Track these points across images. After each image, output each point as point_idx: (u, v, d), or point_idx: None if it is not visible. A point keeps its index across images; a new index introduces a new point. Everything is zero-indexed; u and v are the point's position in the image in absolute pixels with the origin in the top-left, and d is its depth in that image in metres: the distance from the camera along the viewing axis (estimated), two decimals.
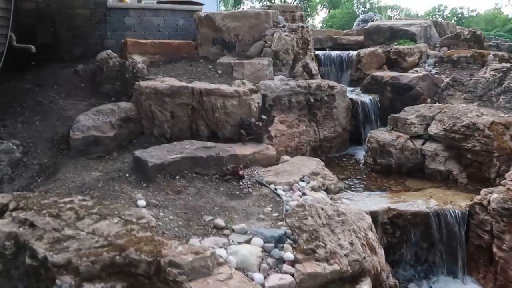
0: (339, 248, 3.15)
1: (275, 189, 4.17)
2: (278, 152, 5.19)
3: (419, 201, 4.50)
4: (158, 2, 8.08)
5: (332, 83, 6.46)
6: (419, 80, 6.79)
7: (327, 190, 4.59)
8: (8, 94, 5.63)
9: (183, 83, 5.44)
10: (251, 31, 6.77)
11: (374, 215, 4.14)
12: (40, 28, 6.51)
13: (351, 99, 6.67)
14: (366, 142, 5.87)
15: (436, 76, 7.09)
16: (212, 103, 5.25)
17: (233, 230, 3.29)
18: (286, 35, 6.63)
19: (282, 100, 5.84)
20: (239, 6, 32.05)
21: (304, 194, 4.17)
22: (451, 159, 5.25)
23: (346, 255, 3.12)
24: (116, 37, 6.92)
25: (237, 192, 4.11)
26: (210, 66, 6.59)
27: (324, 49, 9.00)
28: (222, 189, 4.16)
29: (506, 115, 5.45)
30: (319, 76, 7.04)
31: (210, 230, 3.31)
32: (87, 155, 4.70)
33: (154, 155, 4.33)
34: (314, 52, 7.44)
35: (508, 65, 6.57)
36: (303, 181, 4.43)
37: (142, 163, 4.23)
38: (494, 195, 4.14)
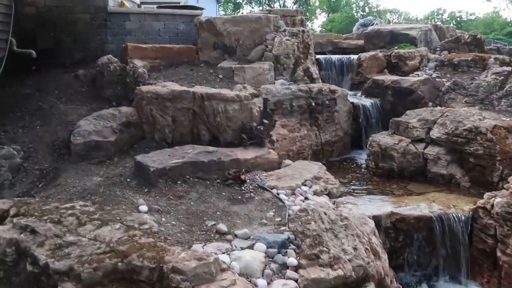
0: (343, 253, 3.12)
1: (278, 194, 4.14)
2: (279, 156, 5.17)
3: (422, 205, 4.48)
4: (159, 7, 8.09)
5: (333, 87, 6.46)
6: (420, 84, 6.79)
7: (329, 195, 4.57)
8: (8, 99, 5.61)
9: (184, 88, 5.43)
10: (252, 36, 6.78)
11: (377, 219, 4.12)
12: (41, 33, 6.51)
13: (352, 103, 6.67)
14: (368, 146, 5.85)
15: (437, 79, 7.09)
16: (213, 108, 5.24)
17: (235, 235, 3.27)
18: (287, 40, 6.64)
19: (284, 104, 5.83)
20: (238, 10, 32.18)
21: (306, 198, 4.15)
22: (453, 163, 5.23)
23: (350, 260, 3.09)
24: (116, 42, 6.92)
25: (239, 197, 4.09)
26: (211, 71, 6.58)
27: (324, 53, 9.01)
28: (224, 193, 4.14)
29: (508, 119, 5.44)
30: (320, 80, 7.03)
31: (212, 235, 3.28)
32: (88, 160, 4.68)
33: (155, 160, 4.31)
34: (315, 56, 7.44)
35: (509, 68, 6.58)
36: (305, 185, 4.41)
37: (143, 168, 4.20)
38: (498, 199, 4.12)
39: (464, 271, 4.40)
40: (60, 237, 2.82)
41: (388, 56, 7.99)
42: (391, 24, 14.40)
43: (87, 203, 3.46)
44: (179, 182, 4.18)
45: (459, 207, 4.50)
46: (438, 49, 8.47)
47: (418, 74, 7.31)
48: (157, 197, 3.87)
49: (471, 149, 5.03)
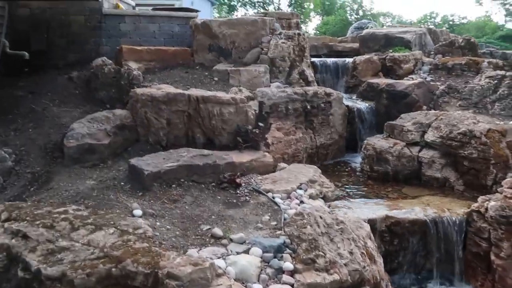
0: (339, 258, 3.11)
1: (273, 197, 4.13)
2: (275, 160, 5.16)
3: (416, 209, 4.49)
4: (154, 9, 8.06)
5: (328, 90, 6.47)
6: (415, 87, 6.83)
7: (325, 198, 4.56)
8: (0, 101, 5.54)
9: (180, 90, 5.41)
10: (247, 38, 6.77)
11: (372, 223, 4.11)
12: (34, 34, 6.46)
13: (347, 106, 6.68)
14: (362, 149, 5.86)
15: (431, 83, 7.14)
16: (208, 111, 5.22)
17: (231, 240, 3.25)
18: (283, 42, 6.64)
19: (279, 107, 5.82)
20: (233, 12, 32.22)
21: (302, 202, 4.14)
22: (447, 166, 5.25)
23: (346, 265, 3.08)
24: (111, 44, 6.88)
25: (234, 201, 4.07)
26: (206, 73, 6.57)
27: (319, 56, 9.03)
28: (219, 197, 4.12)
29: (502, 122, 5.48)
30: (315, 83, 7.05)
31: (207, 239, 3.26)
32: (81, 163, 4.63)
33: (150, 163, 4.28)
34: (310, 59, 7.45)
35: (502, 72, 6.63)
36: (300, 189, 4.40)
37: (138, 171, 4.17)
38: (492, 203, 4.13)
39: (458, 274, 4.42)
40: (52, 242, 2.78)
41: (383, 60, 8.02)
42: (384, 27, 14.48)
43: (80, 207, 3.42)
44: (173, 185, 4.15)
45: (453, 210, 4.51)
46: (432, 52, 8.53)
47: (412, 78, 7.35)
48: (152, 201, 3.83)
49: (465, 152, 5.05)
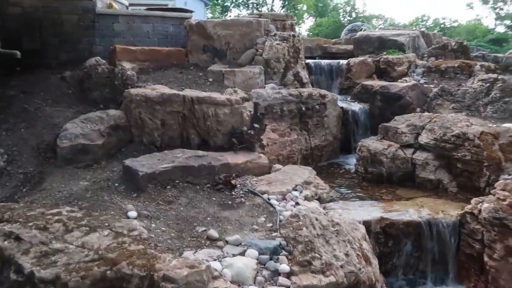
0: (335, 260, 3.11)
1: (268, 199, 4.11)
2: (270, 161, 5.15)
3: (411, 211, 4.52)
4: (148, 9, 8.01)
5: (323, 91, 6.48)
6: (409, 89, 6.87)
7: (320, 200, 4.56)
8: None
9: (174, 91, 5.37)
10: (242, 39, 6.76)
11: (367, 224, 4.13)
12: (26, 33, 6.37)
13: (342, 108, 6.70)
14: (357, 151, 5.88)
15: (425, 85, 7.19)
16: (203, 111, 5.19)
17: (227, 242, 3.22)
18: (278, 44, 6.64)
19: (274, 108, 5.82)
20: (226, 13, 32.19)
21: (297, 203, 4.13)
22: (441, 168, 5.29)
23: (341, 267, 3.08)
24: (104, 44, 6.81)
25: (230, 202, 4.05)
26: (201, 74, 6.54)
27: (314, 58, 9.05)
28: (214, 199, 4.09)
29: (494, 125, 5.54)
30: (310, 85, 7.06)
31: (203, 241, 3.23)
32: (75, 163, 4.57)
33: (144, 164, 4.24)
34: (305, 61, 7.46)
35: (495, 75, 6.71)
36: (296, 190, 4.39)
37: (132, 172, 4.13)
38: (485, 205, 4.17)
39: (451, 275, 4.46)
40: (46, 244, 2.73)
41: (376, 62, 8.06)
42: (377, 29, 14.59)
43: (74, 209, 3.37)
44: (168, 187, 4.11)
45: (447, 212, 4.54)
46: (425, 55, 8.60)
47: (406, 80, 7.40)
48: (146, 203, 3.80)
49: (459, 154, 5.10)
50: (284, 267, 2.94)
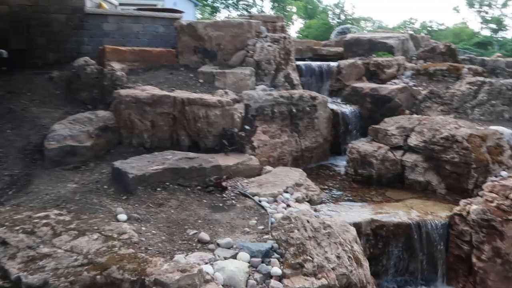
0: (326, 262, 3.11)
1: (260, 201, 4.10)
2: (260, 163, 5.14)
3: (400, 212, 4.55)
4: (138, 9, 7.95)
5: (314, 93, 6.49)
6: (398, 92, 6.93)
7: (311, 202, 4.56)
8: None
9: (165, 92, 5.33)
10: (233, 41, 6.74)
11: (357, 226, 4.14)
12: (13, 32, 6.27)
13: (332, 109, 6.72)
14: (347, 152, 5.90)
15: (414, 88, 7.25)
16: (194, 113, 5.16)
17: (218, 245, 3.20)
18: (269, 45, 6.64)
19: (265, 110, 5.81)
20: (215, 14, 32.13)
21: (288, 206, 4.13)
22: (430, 170, 5.34)
23: (333, 269, 3.08)
24: (93, 44, 6.74)
25: (221, 204, 4.02)
26: (191, 75, 6.50)
27: (304, 60, 9.06)
28: (205, 201, 4.07)
29: (482, 128, 5.62)
30: (300, 87, 7.06)
31: (194, 244, 3.20)
32: (62, 165, 4.51)
33: (134, 166, 4.20)
34: (295, 63, 7.47)
35: (482, 78, 6.82)
36: (287, 192, 4.38)
37: (122, 174, 4.08)
38: (474, 206, 4.23)
39: (440, 276, 4.49)
40: (33, 248, 2.67)
41: (366, 64, 8.11)
42: (365, 31, 14.70)
43: (62, 212, 3.31)
44: (158, 189, 4.08)
45: (436, 214, 4.59)
46: (414, 58, 8.69)
47: (395, 82, 7.46)
48: (136, 205, 3.75)
49: (447, 157, 5.15)
50: (276, 270, 2.93)
